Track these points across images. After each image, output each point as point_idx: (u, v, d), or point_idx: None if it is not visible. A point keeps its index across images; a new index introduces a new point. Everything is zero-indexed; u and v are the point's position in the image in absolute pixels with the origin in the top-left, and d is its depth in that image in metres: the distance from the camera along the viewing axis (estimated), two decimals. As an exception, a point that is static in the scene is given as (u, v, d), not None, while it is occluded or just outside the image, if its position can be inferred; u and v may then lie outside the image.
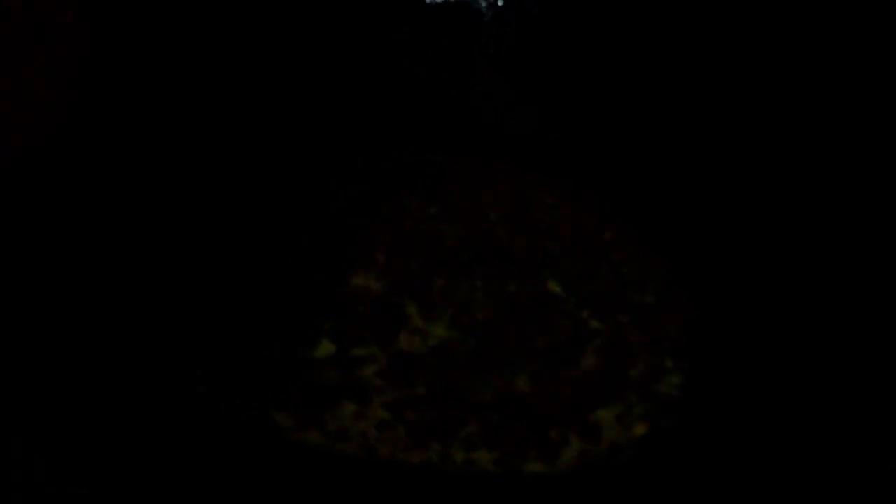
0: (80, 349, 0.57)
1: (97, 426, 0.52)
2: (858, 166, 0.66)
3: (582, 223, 0.73)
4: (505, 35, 0.79)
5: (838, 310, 0.61)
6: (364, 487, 0.55)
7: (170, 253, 0.67)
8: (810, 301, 0.62)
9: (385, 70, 0.78)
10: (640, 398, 0.62)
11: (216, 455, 0.53)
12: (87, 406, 0.53)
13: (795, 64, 0.70)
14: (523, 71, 0.79)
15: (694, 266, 0.69)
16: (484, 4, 0.79)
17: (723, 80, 0.73)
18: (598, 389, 0.62)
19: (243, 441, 0.58)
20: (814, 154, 0.68)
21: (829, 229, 0.65)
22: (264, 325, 0.65)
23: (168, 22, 0.72)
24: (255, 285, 0.67)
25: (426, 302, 0.67)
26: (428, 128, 0.78)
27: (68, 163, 0.65)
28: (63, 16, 0.66)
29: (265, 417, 0.59)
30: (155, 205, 0.68)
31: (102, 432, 0.52)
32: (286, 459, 0.57)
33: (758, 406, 0.58)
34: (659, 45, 0.75)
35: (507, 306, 0.67)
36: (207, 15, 0.73)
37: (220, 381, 0.61)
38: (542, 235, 0.72)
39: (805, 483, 0.51)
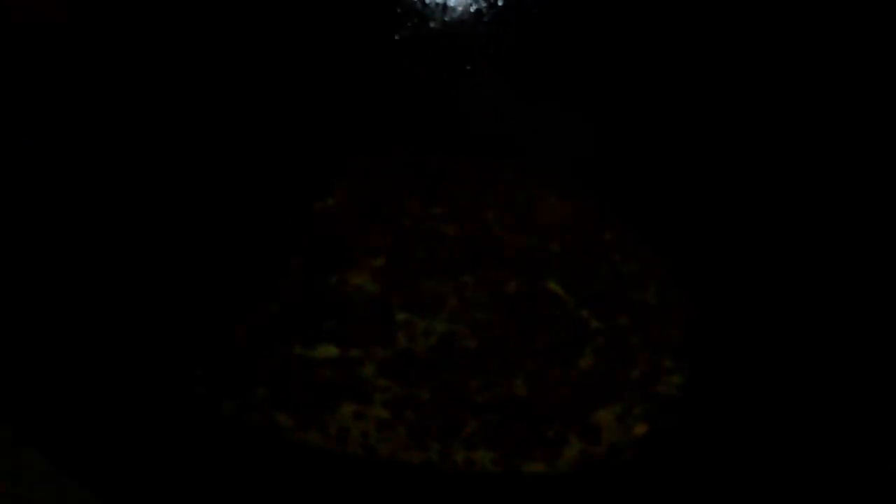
0: (81, 349, 0.57)
1: (97, 426, 0.52)
2: (857, 167, 0.66)
3: (582, 223, 0.73)
4: (505, 35, 0.79)
5: (838, 309, 0.61)
6: (364, 487, 0.55)
7: (169, 253, 0.67)
8: (810, 301, 0.62)
9: (385, 70, 0.78)
10: (640, 398, 0.62)
11: (216, 455, 0.53)
12: (87, 406, 0.53)
13: (794, 65, 0.70)
14: (523, 71, 0.79)
15: (694, 266, 0.69)
16: (484, 4, 0.79)
17: (722, 80, 0.73)
18: (598, 389, 0.62)
19: (244, 441, 0.57)
20: (813, 155, 0.68)
21: (828, 229, 0.65)
22: (264, 325, 0.65)
23: (170, 20, 0.72)
24: (255, 286, 0.67)
25: (426, 302, 0.67)
26: (428, 128, 0.78)
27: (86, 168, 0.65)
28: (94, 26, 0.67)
29: (266, 418, 0.59)
30: (153, 205, 0.68)
31: (103, 432, 0.52)
32: (287, 460, 0.57)
33: (758, 406, 0.57)
34: (659, 45, 0.75)
35: (507, 306, 0.67)
36: (208, 15, 0.73)
37: (221, 382, 0.61)
38: (542, 235, 0.72)
39: (805, 483, 0.51)
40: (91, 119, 0.68)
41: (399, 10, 0.78)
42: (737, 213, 0.69)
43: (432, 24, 0.79)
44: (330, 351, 0.63)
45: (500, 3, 0.79)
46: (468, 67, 0.79)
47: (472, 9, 0.79)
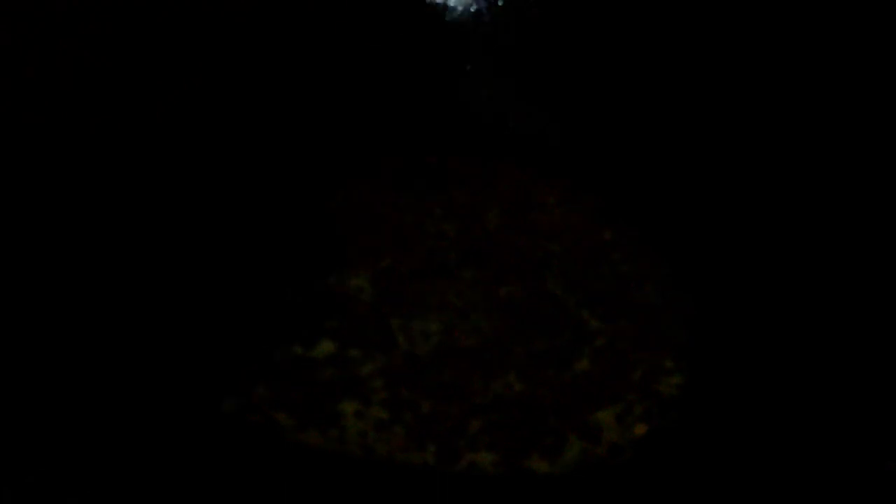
0: (82, 349, 0.57)
1: (98, 426, 0.52)
2: (857, 166, 0.66)
3: (582, 223, 0.73)
4: (505, 35, 0.79)
5: (838, 309, 0.61)
6: (364, 488, 0.55)
7: (170, 254, 0.67)
8: (810, 301, 0.62)
9: (385, 70, 0.78)
10: (640, 398, 0.62)
11: (217, 455, 0.53)
12: (88, 406, 0.53)
13: (794, 64, 0.70)
14: (523, 70, 0.79)
15: (694, 266, 0.69)
16: (484, 4, 0.79)
17: (722, 80, 0.73)
18: (598, 389, 0.62)
19: (244, 441, 0.58)
20: (812, 154, 0.68)
21: (828, 229, 0.65)
22: (265, 325, 0.65)
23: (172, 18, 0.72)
24: (255, 285, 0.67)
25: (425, 302, 0.67)
26: (428, 128, 0.78)
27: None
28: None
29: (265, 417, 0.59)
30: (154, 206, 0.68)
31: (103, 432, 0.52)
32: (286, 459, 0.57)
33: (757, 406, 0.58)
34: (659, 44, 0.75)
35: (507, 306, 0.67)
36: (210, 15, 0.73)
37: (221, 382, 0.61)
38: (542, 235, 0.72)
39: (805, 483, 0.51)
40: (93, 118, 0.68)
41: (399, 10, 0.78)
42: (737, 214, 0.69)
43: (432, 24, 0.79)
44: (329, 348, 0.63)
45: (499, 3, 0.79)
46: (468, 67, 0.79)
47: (472, 9, 0.79)
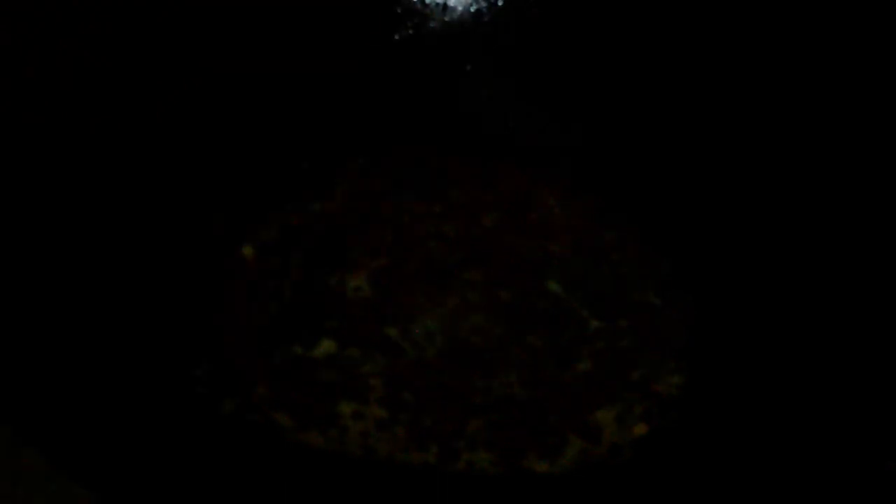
0: (81, 349, 0.57)
1: (97, 426, 0.52)
2: (858, 166, 0.66)
3: (582, 223, 0.73)
4: (505, 35, 0.79)
5: (838, 309, 0.61)
6: (364, 488, 0.55)
7: (169, 253, 0.67)
8: (810, 301, 0.62)
9: (385, 69, 0.78)
10: (640, 398, 0.62)
11: (217, 455, 0.53)
12: (87, 406, 0.53)
13: (794, 64, 0.70)
14: (523, 71, 0.79)
15: (694, 266, 0.69)
16: (484, 4, 0.79)
17: (723, 80, 0.73)
18: (597, 389, 0.62)
19: (244, 441, 0.58)
20: (813, 155, 0.68)
21: (828, 229, 0.65)
22: (264, 325, 0.65)
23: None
24: (255, 285, 0.67)
25: (425, 302, 0.67)
26: (428, 128, 0.78)
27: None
28: None
29: (265, 417, 0.59)
30: (153, 204, 0.68)
31: (102, 432, 0.52)
32: (286, 459, 0.57)
33: (757, 406, 0.58)
34: (659, 44, 0.75)
35: (507, 306, 0.67)
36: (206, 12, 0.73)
37: (221, 382, 0.61)
38: (542, 235, 0.72)
39: (805, 483, 0.51)
40: (92, 118, 0.68)
41: (399, 10, 0.78)
42: (737, 213, 0.69)
43: (432, 24, 0.79)
44: (329, 348, 0.64)
45: (499, 3, 0.79)
46: (468, 67, 0.79)
47: (472, 9, 0.79)
